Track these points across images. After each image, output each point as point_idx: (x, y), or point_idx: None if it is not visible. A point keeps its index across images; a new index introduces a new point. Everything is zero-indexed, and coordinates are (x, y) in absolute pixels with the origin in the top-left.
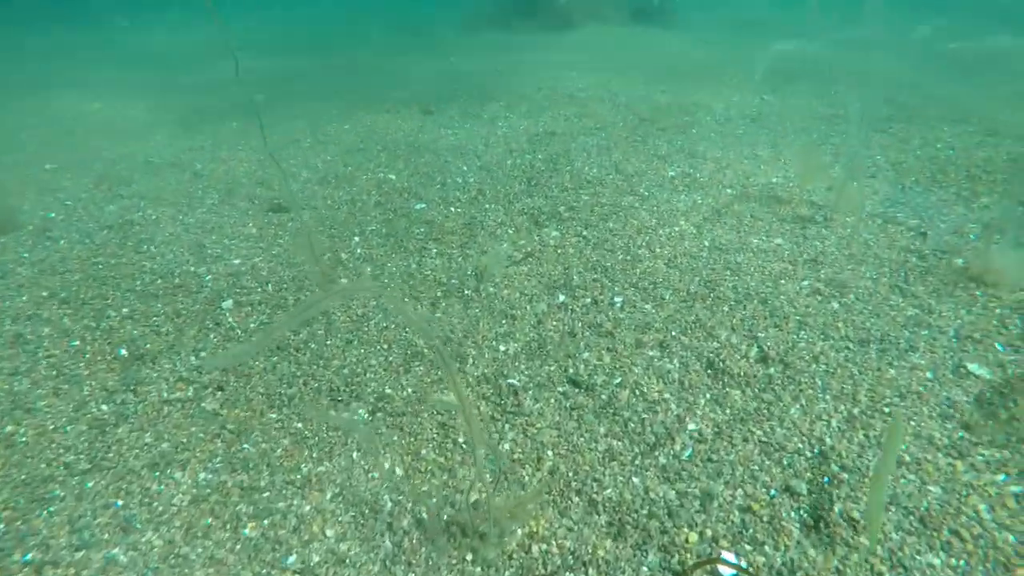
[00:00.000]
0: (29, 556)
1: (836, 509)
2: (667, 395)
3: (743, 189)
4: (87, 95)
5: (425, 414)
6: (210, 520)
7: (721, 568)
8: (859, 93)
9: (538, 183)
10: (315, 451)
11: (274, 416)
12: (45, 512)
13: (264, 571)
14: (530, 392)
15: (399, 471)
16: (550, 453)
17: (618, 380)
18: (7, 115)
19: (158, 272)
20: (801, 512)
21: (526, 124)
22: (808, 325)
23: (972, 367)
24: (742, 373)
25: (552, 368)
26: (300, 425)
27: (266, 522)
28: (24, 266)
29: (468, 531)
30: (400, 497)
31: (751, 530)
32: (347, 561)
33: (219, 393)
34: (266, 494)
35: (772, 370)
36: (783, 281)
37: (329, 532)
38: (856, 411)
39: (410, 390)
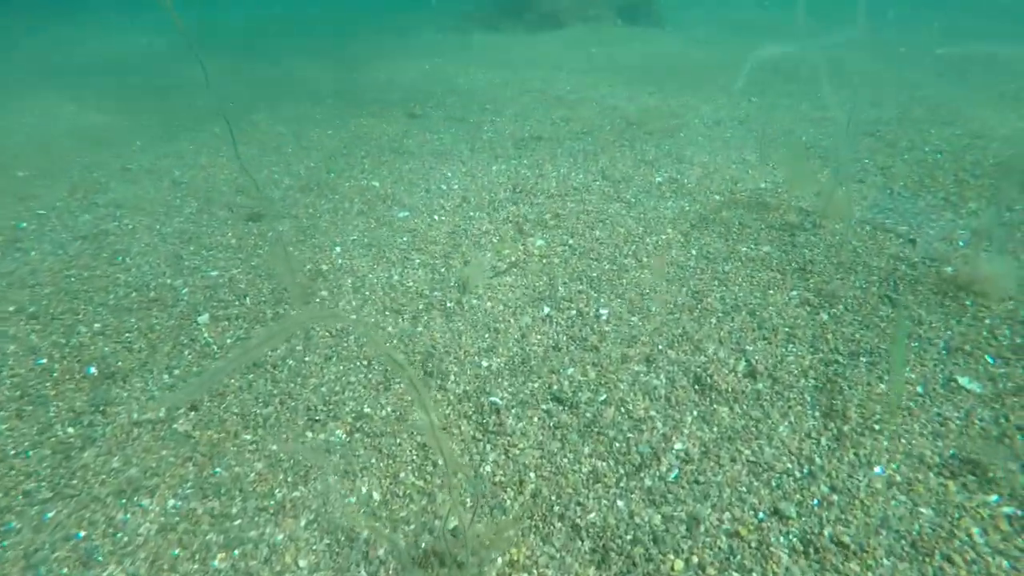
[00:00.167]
0: None
1: (826, 533)
2: (653, 412)
3: (731, 195)
4: (61, 97)
5: (404, 435)
6: (178, 551)
7: None
8: (848, 95)
9: (524, 189)
10: (290, 475)
11: (248, 437)
12: None
13: None
14: (513, 411)
15: (376, 496)
16: (533, 475)
17: (603, 397)
18: None
19: (133, 285)
20: (790, 536)
21: (512, 128)
22: (797, 338)
23: (963, 381)
24: (730, 389)
25: (536, 385)
26: (275, 447)
27: (237, 552)
28: None
29: (446, 560)
30: (377, 524)
31: (739, 556)
32: None
33: (192, 414)
34: (238, 522)
35: (760, 385)
36: (772, 291)
37: (302, 562)
38: (846, 428)
39: (389, 409)
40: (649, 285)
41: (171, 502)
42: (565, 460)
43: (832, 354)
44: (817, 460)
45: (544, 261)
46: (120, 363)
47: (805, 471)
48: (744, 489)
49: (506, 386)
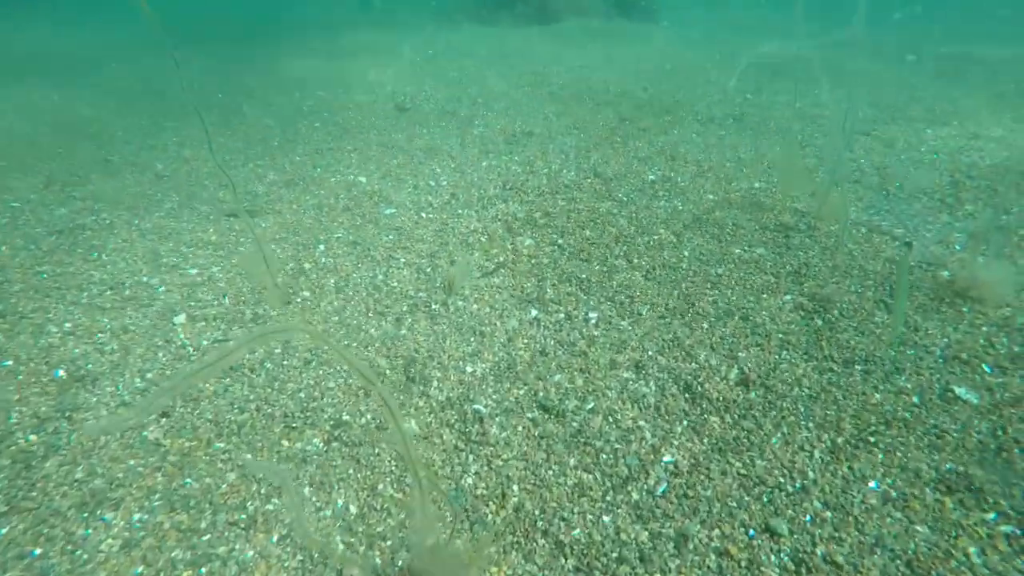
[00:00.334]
0: None
1: (819, 552)
2: (642, 422)
3: (725, 195)
4: (43, 85)
5: (384, 444)
6: (141, 569)
7: None
8: (843, 93)
9: (514, 187)
10: (263, 486)
11: (221, 446)
12: None
13: None
14: (497, 419)
15: (353, 509)
16: (516, 488)
17: (591, 405)
18: None
19: (108, 283)
20: (782, 555)
21: (503, 123)
22: (791, 344)
23: (960, 391)
24: (721, 398)
25: (521, 392)
26: (249, 456)
27: (204, 570)
28: None
29: None
30: (353, 540)
31: None
32: None
33: (163, 420)
34: (206, 537)
35: (753, 394)
36: (765, 295)
37: None
38: (840, 440)
39: (369, 416)
40: (640, 288)
41: (136, 516)
42: (550, 472)
43: (826, 361)
44: (810, 474)
45: (533, 261)
46: (90, 366)
47: (798, 485)
48: (734, 504)
49: (490, 393)
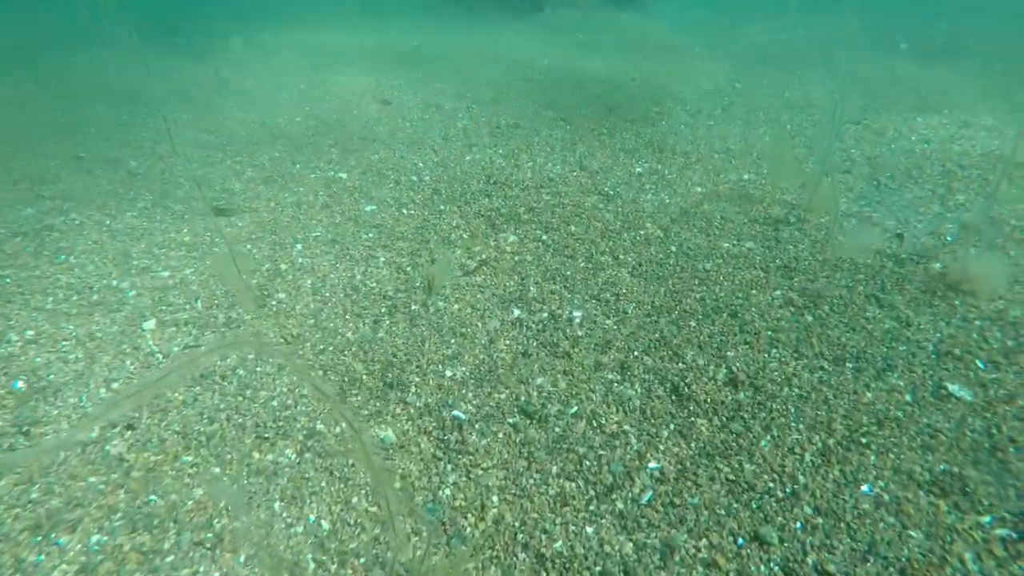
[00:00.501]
0: None
1: (810, 561)
2: (627, 427)
3: (713, 187)
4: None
5: (359, 454)
6: None
7: None
8: (832, 81)
9: (498, 181)
10: (231, 502)
11: (189, 459)
12: None
13: None
14: (476, 426)
15: (325, 525)
16: (495, 499)
17: (574, 409)
18: None
19: (75, 287)
20: (771, 565)
21: (488, 115)
22: (780, 342)
23: (953, 388)
24: (709, 399)
25: (502, 396)
26: (218, 470)
27: None
28: None
29: None
30: (324, 558)
31: None
32: None
33: (128, 433)
34: (169, 558)
35: (742, 395)
36: (754, 291)
37: None
38: (831, 442)
39: (344, 425)
40: (626, 285)
41: (95, 538)
42: (531, 481)
43: (817, 359)
44: (801, 478)
45: (516, 259)
46: (52, 376)
47: (788, 491)
48: (723, 512)
49: (470, 398)
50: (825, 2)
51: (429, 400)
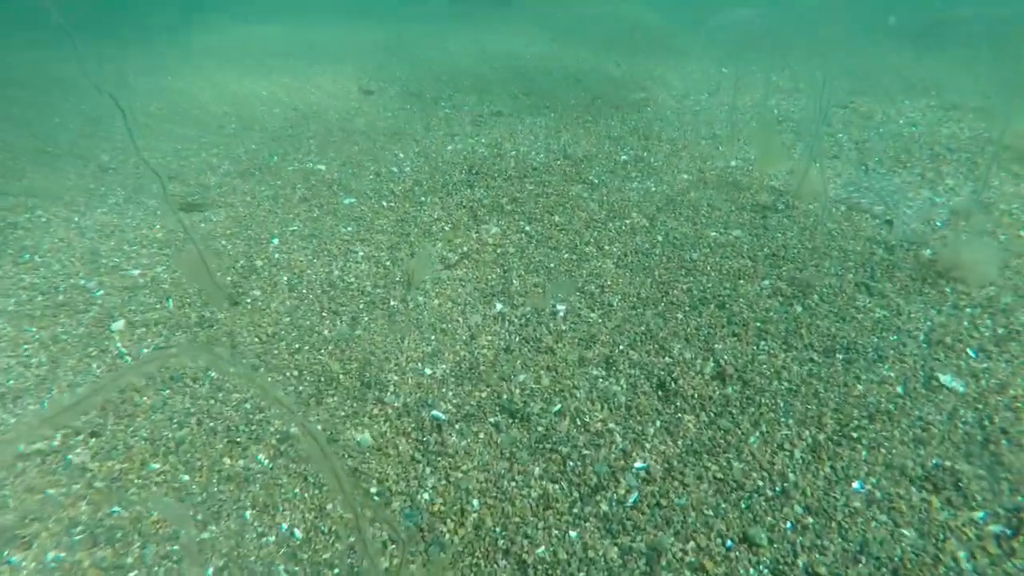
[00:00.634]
0: None
1: (800, 563)
2: (612, 424)
3: (700, 174)
4: None
5: (334, 458)
6: None
7: None
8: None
9: (480, 171)
10: (201, 511)
11: (157, 467)
12: None
13: None
14: (457, 426)
15: (298, 533)
16: (476, 503)
17: (557, 407)
18: None
19: (39, 287)
20: (761, 568)
21: (471, 103)
22: (769, 333)
23: (944, 379)
24: (697, 394)
25: (484, 394)
26: (187, 478)
27: None
28: None
29: None
30: (297, 568)
31: None
32: None
33: (92, 441)
34: (132, 574)
35: (730, 389)
36: (742, 281)
37: None
38: (822, 437)
39: (319, 428)
40: (612, 277)
41: (51, 554)
42: (513, 484)
43: (806, 351)
44: (791, 476)
45: (498, 251)
46: (12, 382)
47: (777, 489)
48: (711, 512)
49: (451, 397)
50: None
51: (408, 400)
